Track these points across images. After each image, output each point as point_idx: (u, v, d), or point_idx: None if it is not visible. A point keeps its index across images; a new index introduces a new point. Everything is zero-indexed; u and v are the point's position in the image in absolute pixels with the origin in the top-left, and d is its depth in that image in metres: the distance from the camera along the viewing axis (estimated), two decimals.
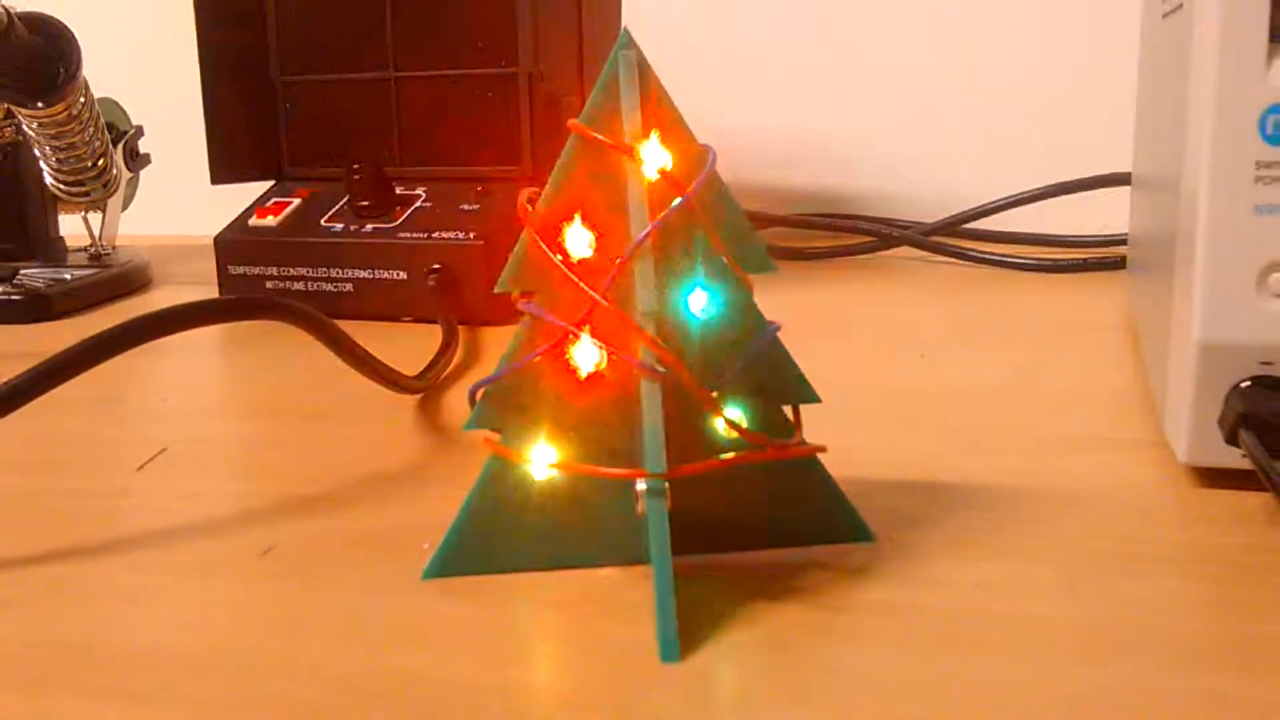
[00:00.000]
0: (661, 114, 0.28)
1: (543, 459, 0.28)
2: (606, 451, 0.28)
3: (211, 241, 0.65)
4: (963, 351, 0.51)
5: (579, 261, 0.27)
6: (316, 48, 0.66)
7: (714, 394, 0.27)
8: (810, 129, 0.90)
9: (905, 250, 0.78)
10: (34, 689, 0.24)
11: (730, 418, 0.27)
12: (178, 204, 0.88)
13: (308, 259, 0.63)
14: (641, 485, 0.28)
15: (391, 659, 0.25)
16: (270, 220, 0.65)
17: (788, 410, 0.29)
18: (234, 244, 0.64)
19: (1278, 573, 0.27)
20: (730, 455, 0.27)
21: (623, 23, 0.70)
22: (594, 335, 0.27)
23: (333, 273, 0.62)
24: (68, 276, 0.68)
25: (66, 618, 0.27)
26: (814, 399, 0.29)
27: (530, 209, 0.28)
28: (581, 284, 0.26)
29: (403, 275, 0.61)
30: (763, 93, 0.90)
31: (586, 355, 0.28)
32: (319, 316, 0.37)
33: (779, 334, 0.29)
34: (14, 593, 0.29)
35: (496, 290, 0.28)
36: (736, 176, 0.91)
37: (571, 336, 0.27)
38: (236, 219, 0.66)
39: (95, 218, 0.75)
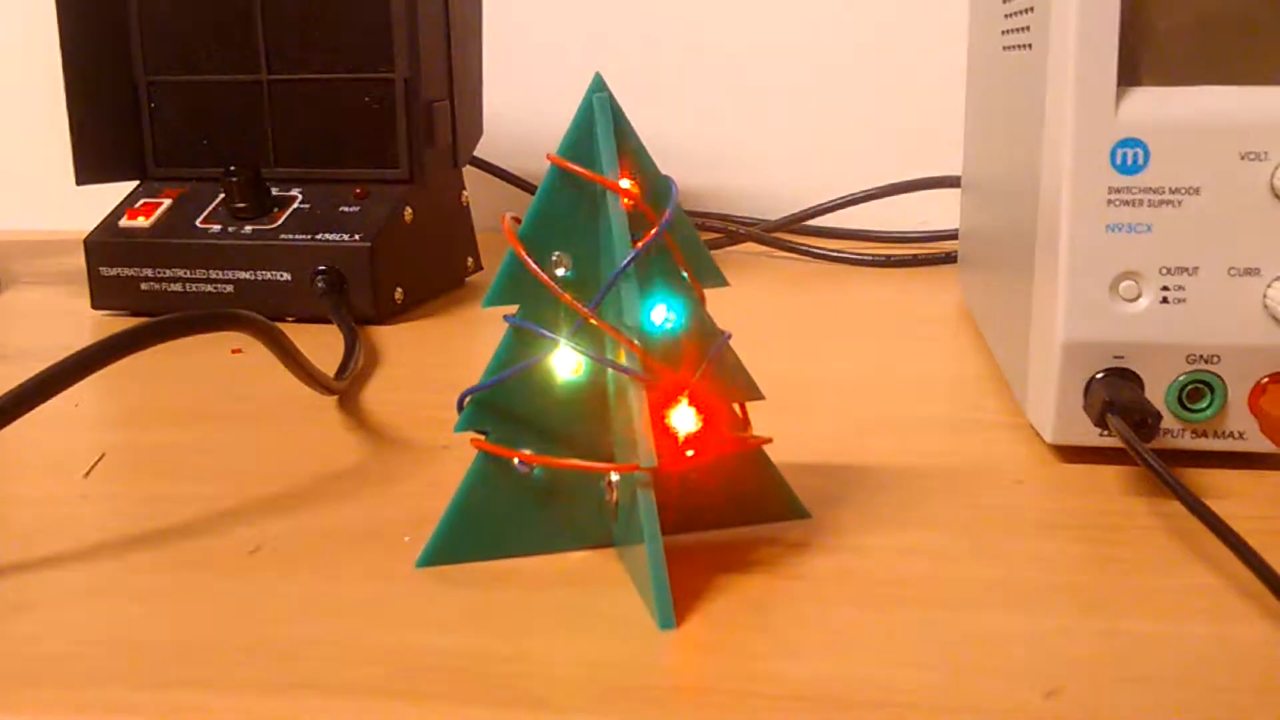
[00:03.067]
0: (628, 148, 0.31)
1: (529, 455, 0.31)
2: (584, 449, 0.32)
3: (59, 238, 0.64)
4: (818, 344, 0.56)
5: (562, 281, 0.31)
6: (183, 48, 0.66)
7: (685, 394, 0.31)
8: (659, 128, 0.94)
9: (749, 246, 0.83)
10: (81, 685, 0.26)
11: (698, 415, 0.31)
12: (23, 199, 0.85)
13: (185, 260, 0.63)
14: (615, 477, 0.31)
15: (412, 636, 0.28)
16: (142, 221, 0.64)
17: (738, 407, 0.33)
18: (106, 245, 0.64)
19: (1140, 532, 0.33)
20: (710, 448, 0.31)
21: (484, 30, 0.73)
22: (580, 346, 0.30)
23: (212, 274, 0.63)
24: None
25: (93, 619, 0.29)
26: (759, 396, 0.33)
27: (514, 230, 0.31)
28: (574, 302, 0.29)
29: (286, 276, 0.62)
30: (617, 92, 0.94)
31: (568, 364, 0.31)
32: (275, 328, 0.39)
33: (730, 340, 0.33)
34: (31, 597, 0.30)
35: (484, 305, 0.31)
36: None
37: (555, 347, 0.31)
38: (105, 220, 0.65)
39: None
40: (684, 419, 0.31)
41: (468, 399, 0.31)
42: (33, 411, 0.32)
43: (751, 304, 0.66)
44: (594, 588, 0.31)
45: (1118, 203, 0.36)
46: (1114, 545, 0.33)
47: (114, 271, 0.64)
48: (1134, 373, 0.37)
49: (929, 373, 0.51)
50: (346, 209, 0.63)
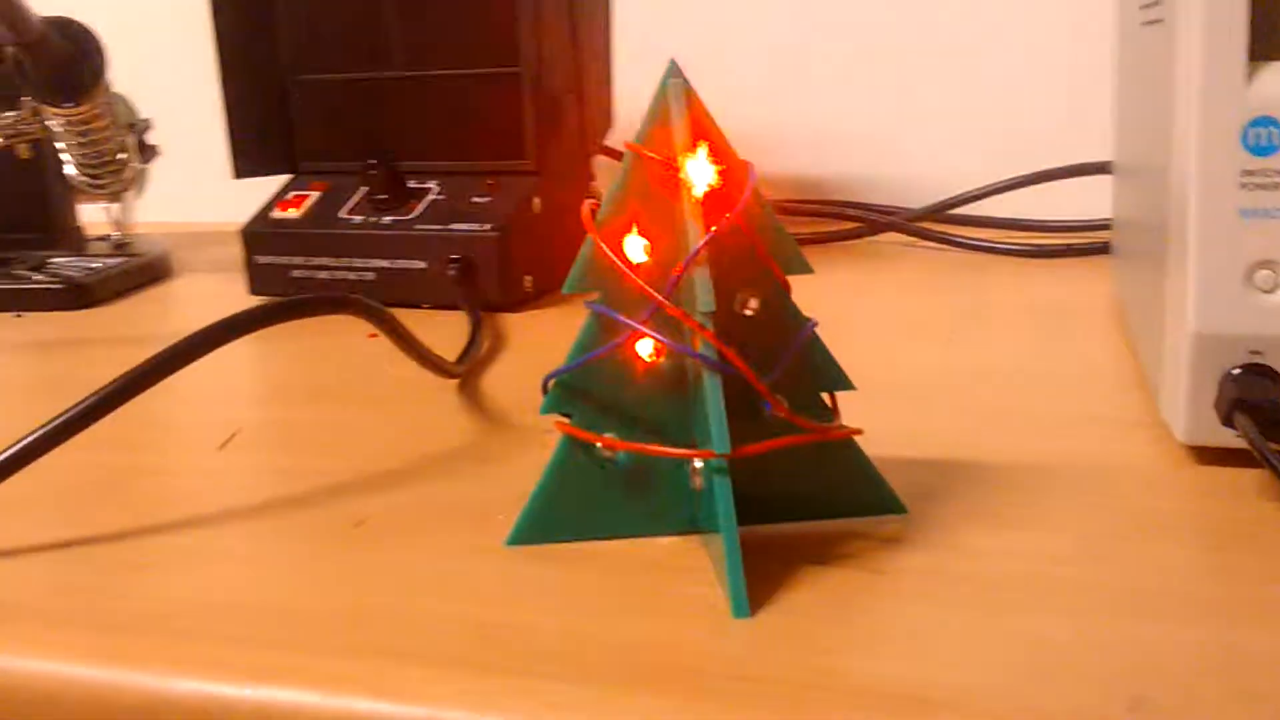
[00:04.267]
0: (707, 133, 0.31)
1: (611, 440, 0.31)
2: (663, 434, 0.32)
3: (217, 229, 0.67)
4: (954, 336, 0.55)
5: (636, 267, 0.31)
6: (325, 48, 0.69)
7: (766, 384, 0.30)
8: (798, 116, 0.93)
9: (891, 236, 0.81)
10: (190, 639, 0.27)
11: (780, 404, 0.30)
12: (181, 193, 0.90)
13: (330, 249, 0.66)
14: (699, 463, 0.31)
15: (487, 611, 0.28)
16: (293, 213, 0.67)
17: (826, 396, 0.33)
18: (260, 235, 0.67)
19: (1272, 541, 0.31)
20: (786, 438, 0.30)
21: (614, 21, 0.73)
22: (655, 332, 0.30)
23: (355, 262, 0.65)
24: (98, 265, 0.70)
25: (200, 580, 0.31)
26: (849, 386, 0.32)
27: (593, 218, 0.31)
28: (646, 288, 0.29)
29: (421, 265, 0.64)
30: (750, 80, 0.93)
31: (647, 350, 0.31)
32: (387, 312, 0.40)
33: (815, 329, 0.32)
34: (149, 559, 0.32)
35: (564, 291, 0.31)
36: None
37: (636, 333, 0.30)
38: (259, 211, 0.69)
39: (115, 207, 0.78)
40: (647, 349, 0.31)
41: (551, 382, 0.32)
42: (185, 388, 0.34)
43: (889, 294, 0.65)
44: (675, 573, 0.30)
45: (1250, 186, 0.34)
46: (1238, 553, 0.31)
47: (267, 259, 0.67)
48: (1274, 370, 0.35)
49: (1067, 367, 0.48)
50: (478, 200, 0.65)
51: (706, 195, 0.30)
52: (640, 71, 0.89)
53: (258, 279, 0.67)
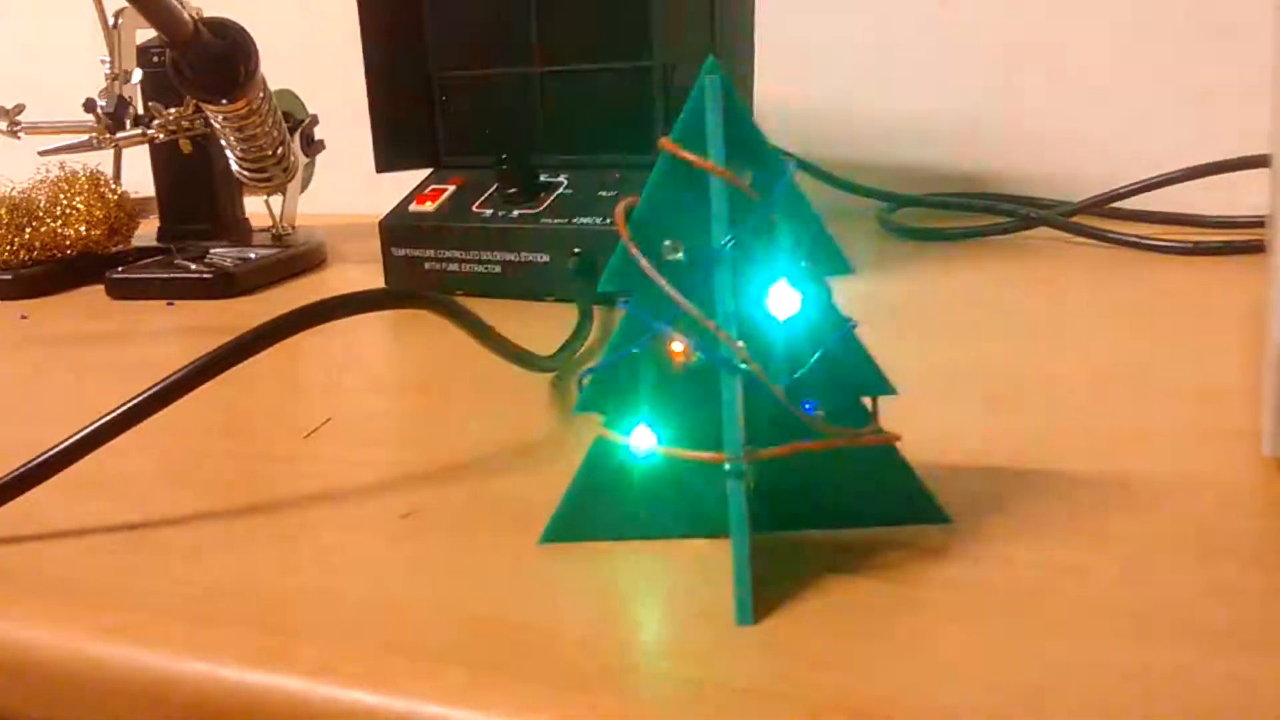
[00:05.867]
0: (744, 132, 0.30)
1: (639, 441, 0.31)
2: (698, 435, 0.31)
3: (363, 219, 0.70)
4: (1087, 337, 0.52)
5: (669, 266, 0.30)
6: (469, 44, 0.71)
7: (788, 387, 0.30)
8: (954, 108, 0.90)
9: (1044, 231, 0.78)
10: (209, 622, 0.29)
11: (801, 409, 0.29)
12: (352, 185, 0.95)
13: (461, 243, 0.68)
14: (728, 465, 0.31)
15: (504, 609, 0.29)
16: (429, 206, 0.70)
17: (867, 401, 0.32)
18: (397, 229, 0.70)
19: None
20: (805, 443, 0.30)
21: (755, 14, 0.72)
22: (685, 332, 0.30)
23: (483, 255, 0.67)
24: (252, 256, 0.74)
25: (244, 566, 0.32)
26: (890, 391, 0.31)
27: (626, 217, 0.31)
28: (668, 288, 0.29)
29: (545, 258, 0.65)
30: (904, 73, 0.91)
31: (677, 350, 0.31)
32: (458, 305, 0.41)
33: (857, 330, 0.31)
34: (203, 543, 0.34)
35: (599, 290, 0.31)
36: (875, 157, 0.92)
37: (665, 332, 0.30)
38: (399, 204, 0.71)
39: (276, 200, 0.82)
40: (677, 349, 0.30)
41: (585, 379, 0.32)
42: (290, 375, 0.35)
43: (1028, 292, 0.62)
44: (697, 577, 0.30)
45: None
46: None
47: (403, 252, 0.70)
48: None
49: (1188, 373, 0.45)
50: (605, 193, 0.65)
51: (742, 195, 0.30)
52: (786, 64, 0.88)
53: (393, 271, 0.70)
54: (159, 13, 0.60)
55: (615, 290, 0.31)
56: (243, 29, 0.68)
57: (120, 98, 0.77)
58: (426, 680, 0.26)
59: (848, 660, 0.26)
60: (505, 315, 0.59)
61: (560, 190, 0.67)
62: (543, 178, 0.68)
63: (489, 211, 0.68)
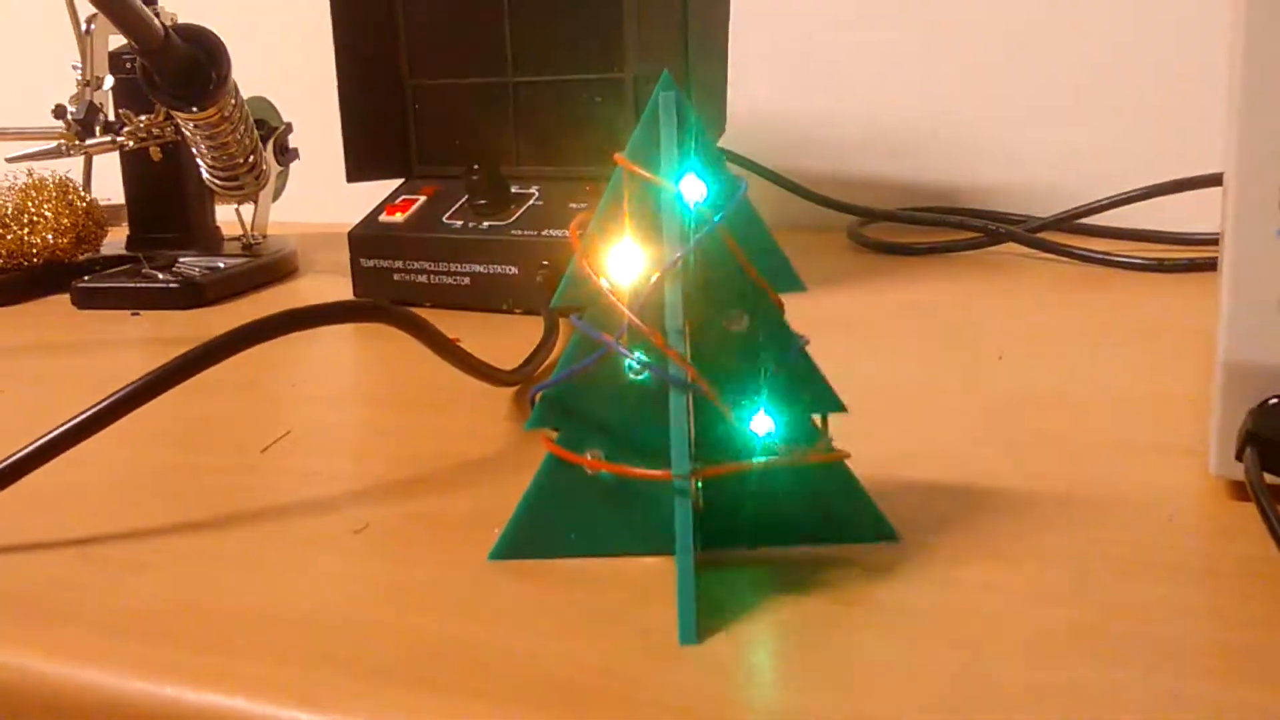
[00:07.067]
0: (698, 148, 0.30)
1: (589, 458, 0.31)
2: (647, 452, 0.31)
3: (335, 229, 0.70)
4: (1042, 353, 0.52)
5: (620, 282, 0.30)
6: (442, 52, 0.71)
7: (737, 404, 0.30)
8: (923, 121, 0.90)
9: (1010, 246, 0.78)
10: (156, 641, 0.29)
11: (749, 426, 0.30)
12: (328, 193, 0.94)
13: (430, 254, 0.67)
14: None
15: (450, 626, 0.29)
16: (398, 217, 0.70)
17: (817, 418, 0.32)
18: (365, 239, 0.70)
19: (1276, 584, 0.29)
20: (752, 461, 0.30)
21: (730, 21, 0.73)
22: (635, 349, 0.30)
23: (452, 267, 0.67)
24: (221, 265, 0.74)
25: (189, 582, 0.32)
26: (840, 408, 0.32)
27: (580, 234, 0.31)
28: (618, 304, 0.29)
29: (514, 270, 0.65)
30: (874, 84, 0.91)
31: (627, 367, 0.31)
32: (419, 318, 0.41)
33: (808, 346, 0.31)
34: (149, 559, 0.34)
35: (551, 306, 0.32)
36: (850, 169, 0.92)
37: (615, 349, 0.30)
38: (369, 215, 0.71)
39: (247, 209, 0.82)
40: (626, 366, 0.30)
41: (537, 395, 0.32)
42: (252, 387, 0.34)
43: (989, 308, 0.62)
44: (643, 595, 0.30)
45: None
46: (1244, 599, 0.28)
47: (372, 263, 0.69)
48: None
49: (1142, 390, 0.46)
50: (575, 205, 0.66)
51: (695, 213, 0.30)
52: (759, 76, 0.88)
53: (362, 282, 0.70)
54: (129, 19, 0.60)
55: (567, 306, 0.31)
56: (215, 36, 0.68)
57: (91, 104, 0.77)
58: (366, 699, 0.26)
59: (786, 677, 0.26)
60: (474, 327, 0.60)
61: (531, 202, 0.67)
62: (515, 189, 0.68)
63: (459, 223, 0.68)
